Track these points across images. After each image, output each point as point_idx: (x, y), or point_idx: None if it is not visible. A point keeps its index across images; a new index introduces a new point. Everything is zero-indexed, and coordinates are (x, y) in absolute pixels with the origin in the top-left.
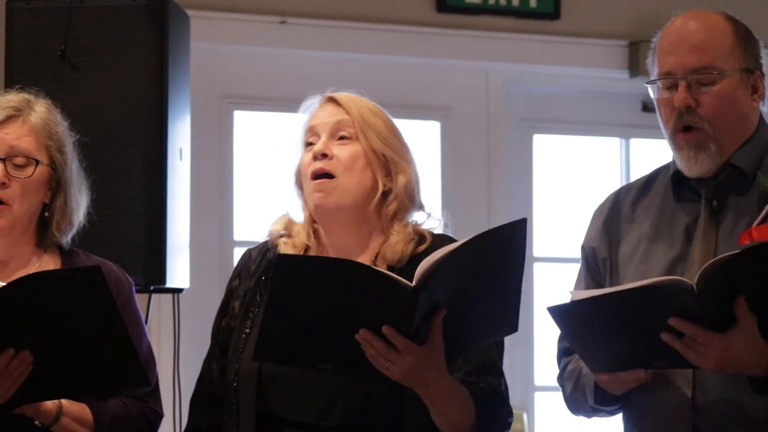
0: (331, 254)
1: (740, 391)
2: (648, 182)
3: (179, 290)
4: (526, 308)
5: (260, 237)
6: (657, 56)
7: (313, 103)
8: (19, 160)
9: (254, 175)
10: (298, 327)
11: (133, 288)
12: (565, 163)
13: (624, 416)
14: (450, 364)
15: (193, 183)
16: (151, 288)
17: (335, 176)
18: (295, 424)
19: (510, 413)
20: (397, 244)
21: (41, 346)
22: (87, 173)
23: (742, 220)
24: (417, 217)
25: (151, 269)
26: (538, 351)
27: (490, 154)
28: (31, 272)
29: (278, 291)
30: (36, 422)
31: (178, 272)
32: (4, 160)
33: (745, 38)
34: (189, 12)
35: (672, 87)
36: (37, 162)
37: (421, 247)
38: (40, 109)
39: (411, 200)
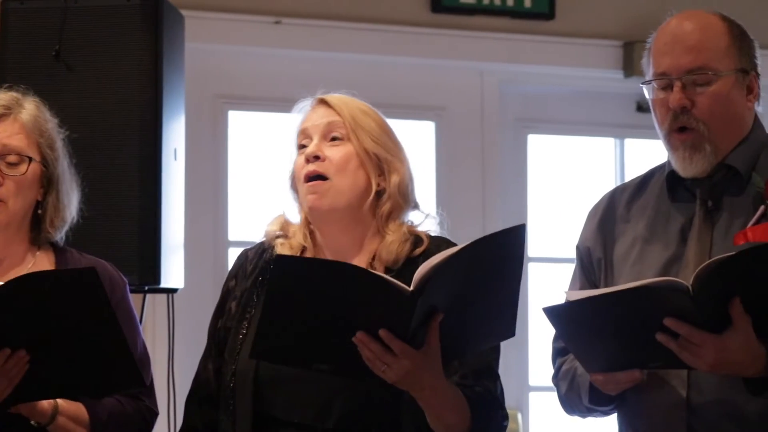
0: (328, 255)
1: (735, 391)
2: (643, 182)
3: (174, 290)
4: (521, 308)
5: (255, 237)
6: (652, 57)
7: (305, 105)
8: (12, 158)
9: (249, 175)
10: (295, 327)
11: (127, 287)
12: (560, 163)
13: (619, 416)
14: (446, 368)
15: (187, 183)
16: (146, 288)
17: (328, 178)
18: (292, 425)
19: (505, 416)
20: (392, 245)
21: (37, 345)
22: (81, 173)
23: (737, 220)
24: (413, 216)
25: (145, 269)
26: (533, 351)
27: (485, 154)
28: (26, 270)
29: (276, 292)
30: (32, 422)
31: (173, 272)
32: None
33: (740, 38)
34: (183, 12)
35: (667, 87)
36: (30, 159)
37: (418, 250)
38: (30, 106)
39: (405, 199)
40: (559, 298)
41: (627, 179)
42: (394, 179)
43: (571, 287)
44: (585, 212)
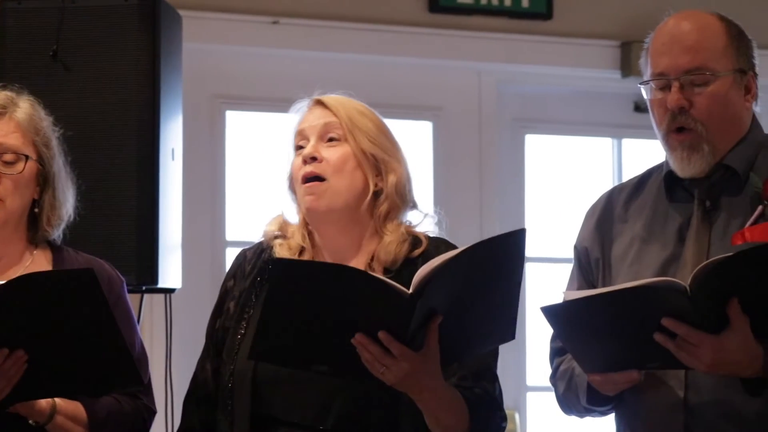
0: (326, 256)
1: (733, 391)
2: (641, 182)
3: (171, 290)
4: (519, 308)
5: (252, 237)
6: (650, 57)
7: (301, 106)
8: (8, 157)
9: (246, 175)
10: (294, 329)
11: (125, 285)
12: (557, 163)
13: (616, 416)
14: (445, 370)
15: (185, 183)
16: (143, 288)
17: (325, 179)
18: (290, 425)
19: (504, 418)
20: (390, 245)
21: (35, 345)
22: (79, 172)
23: (735, 220)
24: (411, 217)
25: (143, 269)
26: (531, 351)
27: (482, 154)
28: (23, 268)
29: (275, 294)
30: (30, 421)
31: (170, 272)
32: None
33: (738, 38)
34: (181, 12)
35: (665, 88)
36: (27, 157)
37: (417, 251)
38: (25, 105)
39: (402, 199)
40: (557, 298)
41: (624, 179)
42: (392, 179)
43: (569, 287)
44: (582, 212)
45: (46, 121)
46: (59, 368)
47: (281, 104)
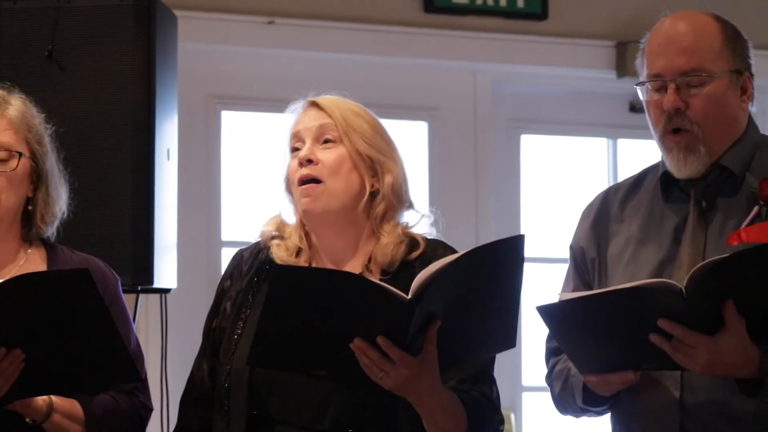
0: (323, 257)
1: (728, 392)
2: (637, 182)
3: (167, 290)
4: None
5: (248, 237)
6: (646, 58)
7: (296, 108)
8: (2, 154)
9: (242, 176)
10: (294, 334)
11: (119, 283)
12: (553, 163)
13: (612, 416)
14: (443, 375)
15: (180, 183)
16: (139, 288)
17: (322, 181)
18: (286, 425)
19: (501, 421)
20: (387, 247)
21: (32, 344)
22: (74, 173)
23: (731, 221)
24: (408, 217)
25: (138, 269)
26: (526, 351)
27: (478, 154)
28: (18, 267)
29: (275, 300)
30: (27, 419)
31: (166, 272)
32: None
33: (733, 39)
34: (176, 12)
35: (661, 89)
36: (20, 155)
37: (415, 253)
38: (17, 102)
39: (399, 200)
40: (553, 298)
41: (620, 179)
42: (388, 180)
43: (565, 287)
44: (578, 212)
45: (38, 118)
46: (57, 366)
47: (277, 104)
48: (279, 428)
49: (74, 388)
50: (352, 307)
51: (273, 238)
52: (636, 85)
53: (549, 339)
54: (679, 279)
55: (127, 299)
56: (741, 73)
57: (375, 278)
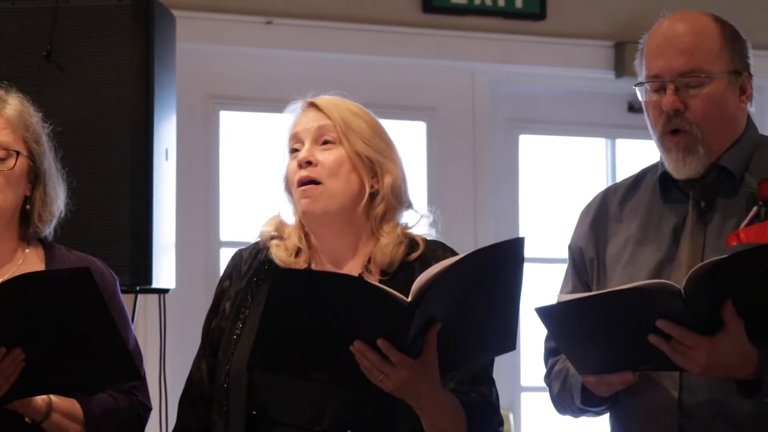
0: (323, 258)
1: (727, 392)
2: (636, 182)
3: (165, 291)
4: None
5: (247, 237)
6: (645, 58)
7: (295, 108)
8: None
9: (240, 176)
10: (294, 338)
11: (117, 283)
12: (551, 163)
13: (611, 417)
14: (443, 377)
15: (179, 183)
16: (137, 288)
17: (321, 182)
18: (285, 426)
19: (501, 422)
20: (386, 247)
21: (33, 344)
22: (72, 173)
23: (730, 221)
24: (407, 218)
25: (137, 270)
26: (525, 351)
27: (476, 154)
28: (16, 266)
29: (276, 304)
30: (26, 419)
31: (164, 273)
32: None
33: (732, 39)
34: (175, 12)
35: (660, 90)
36: (18, 154)
37: (414, 254)
38: (14, 102)
39: (398, 200)
40: (551, 299)
41: (618, 179)
42: (388, 180)
43: (563, 287)
44: (576, 212)
45: (35, 117)
46: (57, 365)
47: (275, 104)
48: (278, 429)
49: (74, 387)
50: (352, 310)
51: (272, 238)
52: (635, 85)
53: (547, 339)
54: (678, 279)
55: (126, 299)
56: (740, 73)
57: (374, 279)
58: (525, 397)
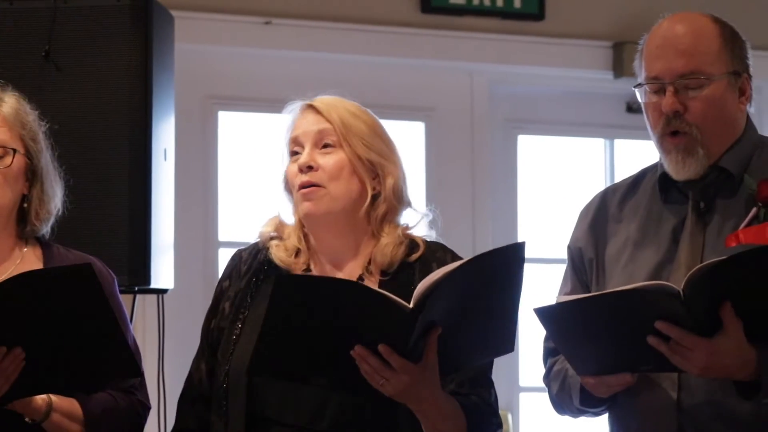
0: (322, 259)
1: (726, 393)
2: (635, 182)
3: (164, 291)
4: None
5: (245, 237)
6: (644, 60)
7: (294, 109)
8: None
9: (239, 176)
10: (295, 343)
11: (116, 282)
12: (550, 163)
13: (610, 417)
14: (443, 380)
15: (177, 183)
16: (136, 288)
17: (323, 186)
18: (285, 426)
19: (500, 424)
20: (386, 247)
21: (33, 342)
22: (70, 172)
23: (729, 222)
24: (407, 218)
25: (135, 270)
26: (523, 351)
27: (475, 154)
28: (14, 265)
29: (277, 309)
30: (26, 419)
31: (163, 273)
32: None
33: (732, 40)
34: (173, 12)
35: (659, 91)
36: (15, 151)
37: (414, 255)
38: (10, 100)
39: (399, 200)
40: (550, 299)
41: (617, 180)
42: (389, 182)
43: (563, 287)
44: (575, 213)
45: (32, 115)
46: (58, 364)
47: (274, 105)
48: (277, 429)
49: (75, 385)
50: (354, 315)
51: (272, 238)
52: (634, 87)
53: (546, 339)
54: (677, 280)
55: (124, 299)
56: (739, 74)
57: (375, 279)
58: (524, 398)
